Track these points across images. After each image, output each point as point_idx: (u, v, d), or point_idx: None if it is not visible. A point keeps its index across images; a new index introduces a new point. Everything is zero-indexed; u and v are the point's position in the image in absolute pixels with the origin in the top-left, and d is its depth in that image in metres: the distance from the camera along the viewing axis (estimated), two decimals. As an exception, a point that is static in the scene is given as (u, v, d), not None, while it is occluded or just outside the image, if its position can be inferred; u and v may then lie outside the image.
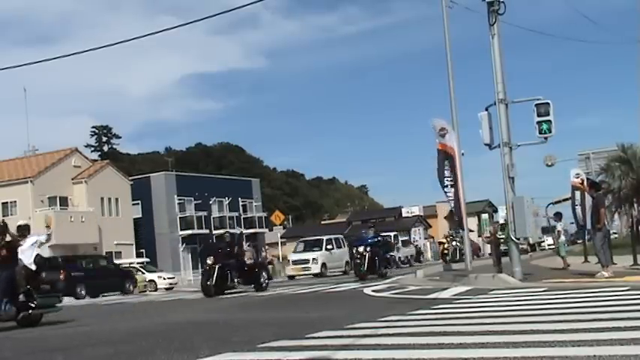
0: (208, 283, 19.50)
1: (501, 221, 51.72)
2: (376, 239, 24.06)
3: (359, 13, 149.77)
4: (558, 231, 21.01)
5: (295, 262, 34.82)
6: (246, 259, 21.63)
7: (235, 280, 20.22)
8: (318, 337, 7.23)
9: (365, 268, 22.56)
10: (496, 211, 65.42)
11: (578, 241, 48.91)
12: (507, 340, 6.00)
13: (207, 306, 15.81)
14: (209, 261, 19.81)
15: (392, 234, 45.59)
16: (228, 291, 20.11)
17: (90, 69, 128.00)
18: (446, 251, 32.68)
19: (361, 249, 23.01)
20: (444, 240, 33.56)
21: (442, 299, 11.99)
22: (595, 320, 7.11)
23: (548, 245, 40.92)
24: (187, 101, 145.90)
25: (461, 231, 27.13)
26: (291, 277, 34.37)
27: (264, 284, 21.38)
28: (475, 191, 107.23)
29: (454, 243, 31.09)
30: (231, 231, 32.75)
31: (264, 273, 22.13)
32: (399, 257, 40.74)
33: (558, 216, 22.41)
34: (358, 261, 23.07)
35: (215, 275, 19.40)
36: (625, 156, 30.50)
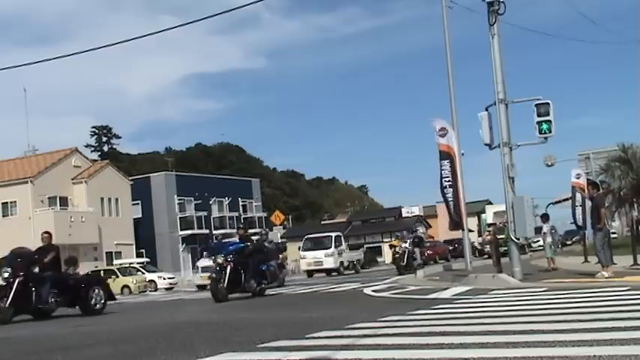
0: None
1: (489, 221, 51.38)
2: (245, 244, 17.62)
3: (359, 13, 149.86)
4: (544, 233, 21.03)
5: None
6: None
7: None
8: (318, 337, 7.23)
9: (225, 285, 16.44)
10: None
11: (567, 243, 48.87)
12: (507, 340, 6.00)
13: (207, 306, 15.80)
14: (219, 260, 17.07)
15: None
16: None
17: (90, 69, 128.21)
18: (397, 255, 28.57)
19: (220, 259, 16.85)
20: (397, 243, 29.39)
21: (442, 299, 11.99)
22: (595, 320, 7.11)
23: (539, 246, 40.69)
24: (187, 101, 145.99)
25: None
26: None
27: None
28: (475, 191, 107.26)
29: (403, 245, 27.95)
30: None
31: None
32: (342, 262, 36.98)
33: (545, 217, 22.41)
34: (215, 276, 16.80)
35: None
36: (625, 156, 30.50)
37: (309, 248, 36.93)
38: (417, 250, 27.32)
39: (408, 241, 27.50)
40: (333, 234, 39.14)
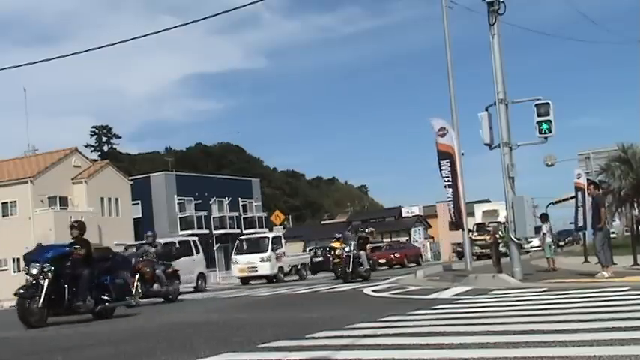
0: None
1: (478, 220, 50.56)
2: (70, 249, 12.91)
3: (359, 13, 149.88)
4: (543, 233, 21.03)
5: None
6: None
7: None
8: (318, 337, 7.23)
9: (40, 304, 12.12)
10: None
11: (560, 244, 48.70)
12: (507, 340, 6.00)
13: (207, 306, 15.81)
14: (34, 270, 12.91)
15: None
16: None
17: (90, 69, 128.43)
18: (338, 259, 23.55)
19: (35, 269, 12.32)
20: (337, 245, 24.50)
21: (442, 299, 11.99)
22: (595, 320, 7.11)
23: (532, 247, 38.97)
24: (187, 101, 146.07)
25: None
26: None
27: None
28: (475, 191, 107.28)
29: (347, 248, 22.46)
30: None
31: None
32: (282, 267, 32.01)
33: (544, 217, 22.40)
34: (23, 292, 12.50)
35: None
36: (625, 156, 30.46)
37: (243, 251, 32.52)
38: (362, 253, 22.45)
39: (352, 242, 22.48)
40: (271, 234, 34.70)
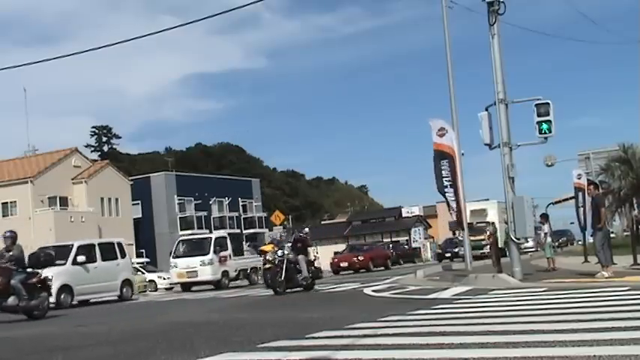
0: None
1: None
2: None
3: (359, 13, 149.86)
4: (545, 233, 21.02)
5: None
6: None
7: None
8: (318, 337, 7.23)
9: None
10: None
11: (554, 244, 48.43)
12: (507, 340, 6.00)
13: (207, 306, 15.81)
14: (281, 252, 17.86)
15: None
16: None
17: (90, 69, 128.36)
18: (269, 265, 18.16)
19: None
20: (269, 248, 19.24)
21: (442, 299, 11.99)
22: (595, 320, 7.11)
23: (526, 248, 36.49)
24: (187, 101, 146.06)
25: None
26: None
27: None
28: (475, 191, 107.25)
29: (279, 253, 18.18)
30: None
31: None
32: (226, 272, 28.51)
33: (544, 217, 22.38)
34: None
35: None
36: (625, 156, 30.47)
37: (182, 254, 29.08)
38: (301, 258, 18.57)
39: (287, 245, 18.91)
40: (214, 235, 31.48)
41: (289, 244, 19.06)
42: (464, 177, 21.36)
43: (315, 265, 20.17)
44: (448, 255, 44.35)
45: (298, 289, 18.30)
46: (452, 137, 20.48)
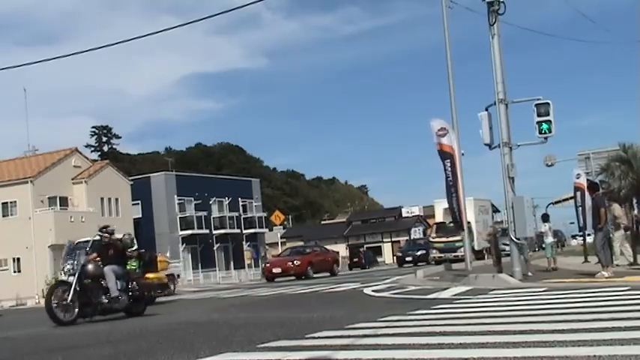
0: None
1: (439, 219, 43.74)
2: None
3: (359, 13, 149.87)
4: (546, 232, 20.97)
5: None
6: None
7: None
8: (318, 337, 7.23)
9: None
10: (496, 211, 65.19)
11: (543, 246, 47.82)
12: (507, 340, 6.00)
13: (208, 306, 15.81)
14: None
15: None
16: None
17: (90, 69, 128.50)
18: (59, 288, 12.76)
19: None
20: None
21: (442, 299, 11.99)
22: (595, 320, 7.11)
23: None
24: (187, 101, 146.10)
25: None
26: None
27: None
28: (475, 191, 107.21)
29: (67, 268, 13.27)
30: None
31: None
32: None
33: (546, 217, 22.35)
34: None
35: None
36: (625, 156, 30.45)
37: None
38: (108, 270, 13.07)
39: (83, 258, 13.16)
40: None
41: (87, 256, 13.21)
42: (464, 177, 21.32)
43: (161, 276, 15.85)
44: (409, 259, 40.47)
45: (107, 315, 13.20)
46: (452, 137, 20.47)
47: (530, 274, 16.68)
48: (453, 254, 32.62)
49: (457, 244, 31.62)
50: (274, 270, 31.51)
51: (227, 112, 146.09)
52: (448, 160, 20.17)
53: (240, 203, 58.08)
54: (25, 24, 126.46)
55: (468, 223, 31.70)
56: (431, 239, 37.10)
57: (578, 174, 24.05)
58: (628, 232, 18.09)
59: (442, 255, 34.67)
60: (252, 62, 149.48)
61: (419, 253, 40.30)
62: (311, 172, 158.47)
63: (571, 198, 27.05)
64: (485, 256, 33.55)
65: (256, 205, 60.17)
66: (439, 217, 38.62)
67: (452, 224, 32.72)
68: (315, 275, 31.41)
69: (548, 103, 15.25)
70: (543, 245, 21.53)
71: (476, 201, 36.62)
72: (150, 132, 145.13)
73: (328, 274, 32.81)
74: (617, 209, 17.09)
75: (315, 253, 33.81)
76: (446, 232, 35.10)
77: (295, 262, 31.40)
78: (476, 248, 33.14)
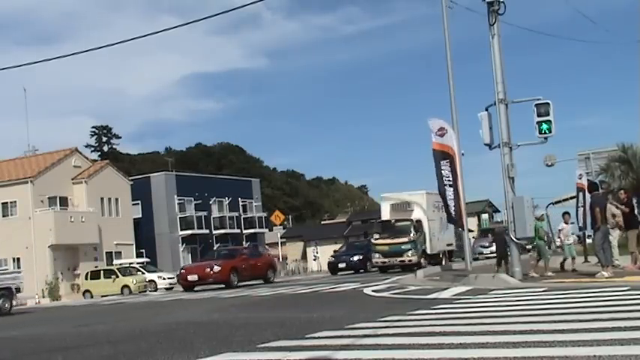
0: None
1: (385, 217, 35.96)
2: None
3: (359, 13, 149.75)
4: (561, 230, 20.47)
5: None
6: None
7: None
8: (318, 337, 7.23)
9: None
10: (496, 211, 65.19)
11: (528, 248, 47.50)
12: (507, 340, 6.00)
13: (207, 306, 15.81)
14: None
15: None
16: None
17: (90, 69, 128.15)
18: None
19: None
20: None
21: (442, 299, 11.99)
22: (595, 320, 7.11)
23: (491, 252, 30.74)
24: (187, 101, 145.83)
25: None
26: None
27: None
28: (475, 191, 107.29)
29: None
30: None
31: None
32: None
33: (567, 216, 21.35)
34: None
35: None
36: (625, 156, 30.52)
37: None
38: None
39: None
40: None
41: None
42: (464, 177, 21.35)
43: None
44: (342, 266, 33.04)
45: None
46: (452, 137, 20.48)
47: (550, 273, 16.46)
48: (399, 259, 28.47)
49: (404, 247, 28.38)
50: (189, 277, 26.90)
51: (227, 112, 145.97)
52: (447, 160, 20.17)
53: (240, 203, 58.06)
54: (25, 24, 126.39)
55: (418, 221, 29.28)
56: (373, 241, 29.85)
57: (580, 174, 24.00)
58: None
59: (386, 260, 28.86)
60: (252, 62, 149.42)
61: (355, 258, 32.98)
62: (311, 172, 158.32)
63: (571, 198, 27.00)
64: (443, 261, 30.16)
65: (256, 205, 60.15)
66: (385, 214, 31.33)
67: (398, 223, 29.66)
68: (242, 284, 27.32)
69: (548, 103, 15.25)
70: (557, 245, 20.93)
71: (429, 195, 30.32)
72: (150, 132, 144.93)
73: (261, 281, 28.71)
74: (612, 208, 17.07)
75: (242, 258, 28.77)
76: (392, 233, 29.18)
77: (215, 267, 26.64)
78: (428, 252, 29.83)
